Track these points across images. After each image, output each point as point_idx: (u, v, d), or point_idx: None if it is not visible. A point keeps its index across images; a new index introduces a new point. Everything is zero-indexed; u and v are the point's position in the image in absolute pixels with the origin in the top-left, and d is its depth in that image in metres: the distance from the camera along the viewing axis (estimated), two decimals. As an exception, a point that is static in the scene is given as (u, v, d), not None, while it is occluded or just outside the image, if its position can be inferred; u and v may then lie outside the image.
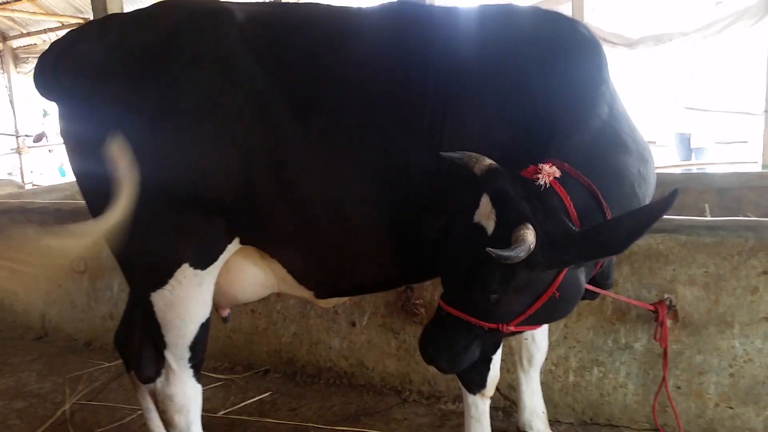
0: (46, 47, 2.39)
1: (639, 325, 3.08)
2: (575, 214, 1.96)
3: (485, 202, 1.95)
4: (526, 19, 2.53)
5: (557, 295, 1.95)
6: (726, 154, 10.18)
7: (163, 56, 2.22)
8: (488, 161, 2.03)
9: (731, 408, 2.96)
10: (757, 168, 6.98)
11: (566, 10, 7.34)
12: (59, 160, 15.37)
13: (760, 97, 7.25)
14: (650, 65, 10.83)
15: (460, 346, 2.09)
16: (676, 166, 8.91)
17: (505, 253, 1.73)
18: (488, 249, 1.73)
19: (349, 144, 2.30)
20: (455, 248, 2.04)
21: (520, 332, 2.22)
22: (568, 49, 2.36)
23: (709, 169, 8.41)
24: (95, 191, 2.35)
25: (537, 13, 2.60)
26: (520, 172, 2.01)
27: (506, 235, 1.82)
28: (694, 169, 8.79)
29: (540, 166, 1.98)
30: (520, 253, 1.74)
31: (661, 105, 10.34)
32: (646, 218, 1.82)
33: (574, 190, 1.99)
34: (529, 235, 1.77)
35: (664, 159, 9.79)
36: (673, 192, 1.81)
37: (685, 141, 9.64)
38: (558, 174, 1.97)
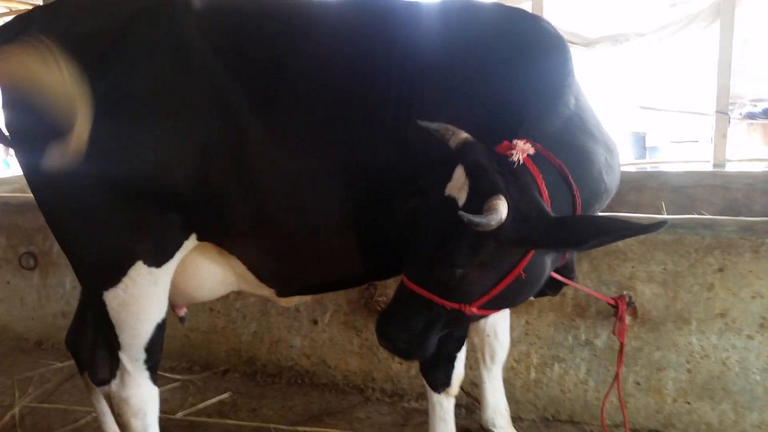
0: (-7, 34, 2.26)
1: (599, 321, 3.12)
2: (546, 192, 1.97)
3: (459, 173, 1.93)
4: (489, 14, 2.52)
5: (523, 276, 1.94)
6: (679, 152, 10.47)
7: (116, 44, 2.13)
8: (464, 134, 2.02)
9: (688, 403, 3.02)
10: (708, 167, 7.17)
11: (526, 8, 7.41)
12: (3, 152, 14.82)
13: (711, 98, 7.45)
14: (607, 65, 11.05)
15: (420, 327, 2.04)
16: (631, 164, 9.11)
17: (477, 219, 1.71)
18: (460, 212, 1.71)
19: (311, 138, 2.26)
20: (424, 221, 2.00)
21: (482, 316, 2.18)
22: (534, 43, 2.37)
23: (663, 168, 8.62)
24: (43, 184, 2.24)
25: (500, 8, 2.60)
26: (494, 148, 2.01)
27: (479, 205, 1.80)
28: (649, 168, 9.00)
29: (514, 142, 1.98)
30: (491, 221, 1.73)
31: (617, 104, 10.57)
32: (622, 230, 1.84)
33: (545, 169, 2.00)
34: (501, 206, 1.76)
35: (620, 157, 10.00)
36: (660, 222, 1.83)
37: (639, 140, 9.90)
38: (531, 151, 1.97)
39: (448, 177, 1.96)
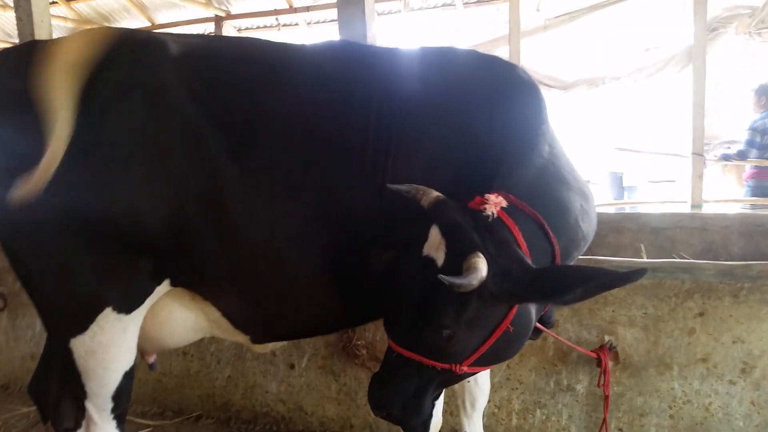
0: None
1: (580, 366, 3.08)
2: (525, 244, 1.94)
3: (434, 233, 1.91)
4: (466, 61, 2.55)
5: (511, 329, 1.91)
6: (656, 192, 10.60)
7: (90, 86, 2.08)
8: (435, 193, 2.00)
9: (671, 450, 2.97)
10: (686, 207, 7.25)
11: (503, 53, 7.54)
12: None
13: (687, 140, 7.58)
14: (584, 107, 11.23)
15: (413, 391, 1.98)
16: (609, 204, 9.18)
17: (458, 280, 1.68)
18: (440, 276, 1.67)
19: (289, 184, 2.22)
20: (404, 283, 1.97)
21: (474, 373, 2.13)
22: (508, 91, 2.39)
23: (641, 208, 8.71)
24: (8, 224, 2.15)
25: (476, 55, 2.61)
26: (467, 204, 1.99)
27: (457, 264, 1.77)
28: (627, 208, 9.08)
29: (486, 196, 1.96)
30: (472, 280, 1.70)
31: (595, 145, 10.71)
32: (605, 278, 1.79)
33: (521, 221, 1.98)
34: (481, 263, 1.73)
35: (598, 197, 10.09)
36: (640, 270, 1.78)
37: (617, 180, 10.00)
38: (504, 204, 1.95)
39: (424, 237, 1.93)
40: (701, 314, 2.89)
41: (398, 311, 2.01)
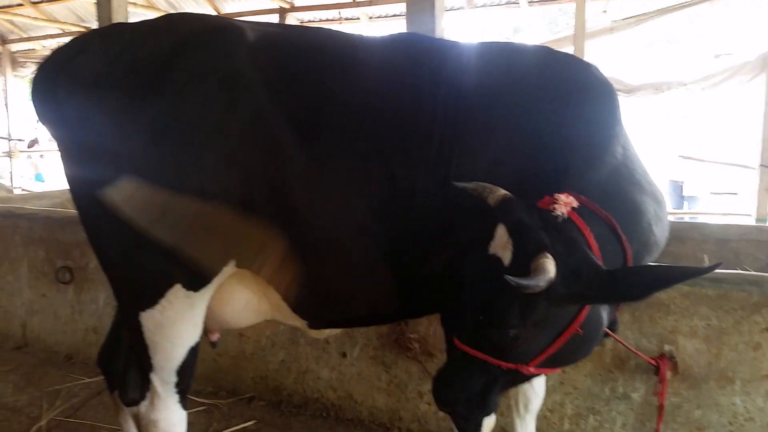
0: (45, 53, 2.32)
1: (638, 374, 3.02)
2: (596, 245, 1.91)
3: (501, 232, 1.89)
4: (537, 57, 2.51)
5: (580, 332, 1.89)
6: (718, 204, 10.27)
7: (168, 70, 2.15)
8: (502, 191, 1.98)
9: (729, 466, 2.89)
10: (750, 221, 7.02)
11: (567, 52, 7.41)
12: (36, 167, 15.24)
13: (755, 151, 7.33)
14: (647, 112, 10.96)
15: (478, 388, 1.99)
16: (669, 213, 8.95)
17: (525, 281, 1.67)
18: (507, 277, 1.66)
19: (353, 172, 2.25)
20: (470, 281, 1.96)
21: (540, 374, 2.12)
22: (582, 90, 2.35)
23: (701, 219, 8.45)
24: (89, 201, 2.26)
25: (549, 52, 2.59)
26: (536, 203, 1.97)
27: (525, 265, 1.76)
28: (686, 218, 8.83)
29: (556, 196, 1.94)
30: (540, 282, 1.68)
31: (656, 152, 10.45)
32: (677, 274, 1.79)
33: (593, 222, 1.95)
34: (549, 264, 1.72)
35: (657, 206, 9.83)
36: (715, 264, 1.76)
37: (677, 189, 9.72)
38: (575, 204, 1.92)
39: (490, 235, 1.92)
40: (768, 329, 2.81)
41: (463, 309, 2.00)
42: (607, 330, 2.24)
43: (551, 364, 2.00)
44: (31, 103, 2.29)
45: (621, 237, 2.00)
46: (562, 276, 1.75)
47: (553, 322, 1.88)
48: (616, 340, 2.47)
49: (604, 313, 2.01)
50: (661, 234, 2.23)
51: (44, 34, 12.61)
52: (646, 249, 2.19)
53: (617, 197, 2.10)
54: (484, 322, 1.89)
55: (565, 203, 1.91)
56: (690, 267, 1.81)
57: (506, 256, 1.85)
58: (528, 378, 2.11)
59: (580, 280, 1.79)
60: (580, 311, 1.88)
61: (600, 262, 1.86)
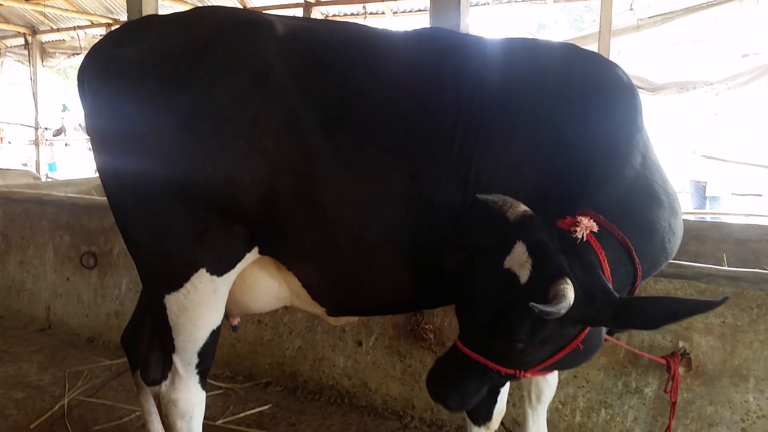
0: (74, 44, 2.42)
1: (651, 370, 3.04)
2: (609, 270, 1.93)
3: (520, 249, 1.90)
4: (563, 55, 2.50)
5: (581, 347, 1.94)
6: (740, 205, 10.15)
7: (201, 61, 2.22)
8: (523, 207, 2.00)
9: (740, 463, 2.90)
10: (772, 222, 6.95)
11: (592, 50, 7.37)
12: (52, 156, 15.52)
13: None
14: (671, 111, 10.85)
15: (473, 389, 2.06)
16: (689, 213, 8.86)
17: (548, 308, 1.69)
18: (532, 304, 1.67)
19: (376, 166, 2.29)
20: (481, 291, 1.98)
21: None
22: (605, 92, 2.33)
23: (724, 219, 8.37)
24: (119, 187, 2.35)
25: (574, 50, 2.57)
26: (557, 222, 1.97)
27: (542, 286, 1.78)
28: (708, 218, 8.74)
29: (578, 218, 1.94)
30: (561, 309, 1.71)
31: (678, 151, 10.34)
32: (687, 310, 1.82)
33: (608, 245, 1.96)
34: (569, 291, 1.74)
35: (679, 206, 9.73)
36: (722, 298, 1.79)
37: (699, 189, 9.61)
38: (596, 228, 1.93)
39: (506, 248, 1.93)
40: (784, 328, 2.81)
41: (471, 316, 2.03)
42: (609, 338, 2.27)
43: (547, 369, 2.06)
44: (76, 91, 2.38)
45: (634, 260, 2.01)
46: (576, 300, 1.77)
47: (559, 338, 1.92)
48: (623, 346, 2.50)
49: (604, 329, 2.04)
50: (672, 247, 2.23)
51: (73, 26, 12.80)
52: (656, 267, 2.22)
53: (634, 215, 2.10)
54: (492, 332, 1.93)
55: (586, 227, 1.92)
56: (703, 301, 1.84)
57: (524, 275, 1.87)
58: (521, 379, 2.18)
59: (593, 305, 1.81)
60: (583, 329, 1.92)
61: (610, 284, 1.88)
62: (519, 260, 1.89)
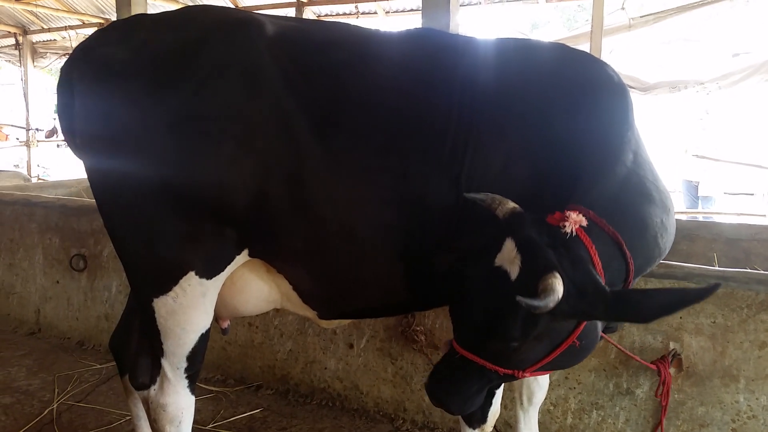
0: (65, 44, 2.38)
1: (642, 371, 3.04)
2: (600, 263, 1.93)
3: (509, 246, 1.90)
4: (553, 54, 2.51)
5: (577, 344, 1.93)
6: (733, 204, 10.17)
7: (190, 61, 2.20)
8: (512, 204, 1.99)
9: (731, 464, 2.90)
10: (764, 221, 6.97)
11: (584, 49, 7.38)
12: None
13: (770, 151, 7.28)
14: (663, 110, 10.87)
15: (472, 391, 2.06)
16: (682, 212, 8.88)
17: (535, 302, 1.69)
18: (518, 298, 1.68)
19: (368, 167, 2.27)
20: (473, 290, 1.98)
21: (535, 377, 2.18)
22: (596, 91, 2.34)
23: (716, 219, 8.39)
24: (107, 189, 2.32)
25: (564, 50, 2.57)
26: (546, 218, 1.97)
27: (532, 282, 1.78)
28: (700, 218, 8.76)
29: (566, 213, 1.94)
30: (549, 303, 1.71)
31: (671, 151, 10.36)
32: (680, 300, 1.82)
33: (599, 239, 1.96)
34: (557, 285, 1.74)
35: (671, 206, 9.75)
36: (714, 285, 1.78)
37: (692, 189, 9.63)
38: (585, 223, 1.93)
39: (497, 246, 1.94)
40: (774, 329, 2.81)
41: (464, 316, 2.04)
42: (604, 336, 2.27)
43: (546, 369, 2.05)
44: (55, 94, 2.34)
45: (626, 254, 2.01)
46: (567, 294, 1.77)
47: (554, 335, 1.92)
48: (615, 346, 2.50)
49: (599, 324, 2.05)
50: (665, 244, 2.23)
51: (64, 25, 12.72)
52: (649, 263, 2.22)
53: (625, 211, 2.10)
54: (486, 331, 1.92)
55: (574, 221, 1.92)
56: (695, 290, 1.84)
57: (513, 271, 1.87)
58: (519, 379, 2.15)
59: (584, 299, 1.81)
60: (579, 325, 1.92)
61: (603, 280, 1.88)
62: (509, 257, 1.89)
